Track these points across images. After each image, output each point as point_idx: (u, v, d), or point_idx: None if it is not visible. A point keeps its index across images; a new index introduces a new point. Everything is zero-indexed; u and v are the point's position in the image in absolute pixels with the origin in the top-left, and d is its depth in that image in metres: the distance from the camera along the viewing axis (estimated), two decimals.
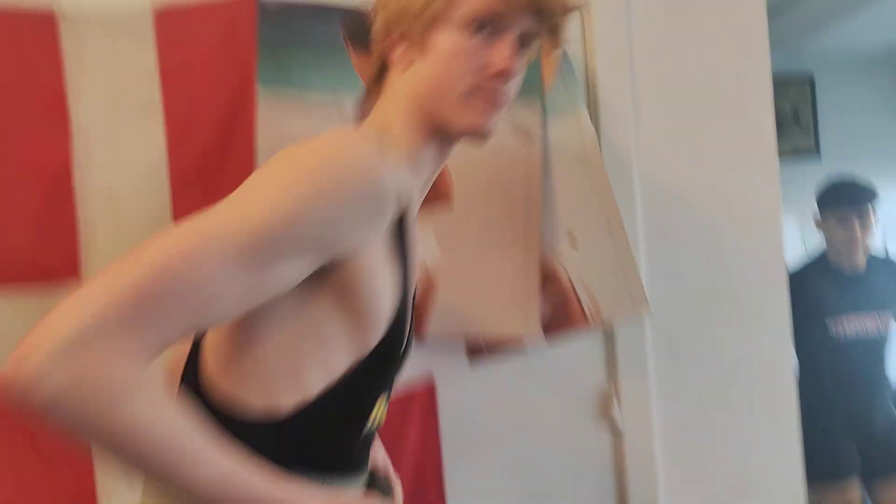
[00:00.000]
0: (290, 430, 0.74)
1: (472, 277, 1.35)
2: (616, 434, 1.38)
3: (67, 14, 1.28)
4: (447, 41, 0.78)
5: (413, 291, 0.83)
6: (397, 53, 0.81)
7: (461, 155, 1.23)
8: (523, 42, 0.80)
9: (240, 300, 0.67)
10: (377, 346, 0.76)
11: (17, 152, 1.21)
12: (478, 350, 1.36)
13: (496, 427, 1.36)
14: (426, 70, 0.79)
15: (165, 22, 1.31)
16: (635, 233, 1.36)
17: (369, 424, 0.81)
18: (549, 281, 1.35)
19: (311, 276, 0.72)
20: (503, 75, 0.77)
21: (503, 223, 1.35)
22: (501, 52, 0.77)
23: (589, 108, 1.37)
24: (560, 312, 1.35)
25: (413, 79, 0.80)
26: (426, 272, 1.34)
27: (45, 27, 1.30)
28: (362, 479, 0.84)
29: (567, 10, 0.80)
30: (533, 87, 1.35)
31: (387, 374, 0.82)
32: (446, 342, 1.34)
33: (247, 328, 0.75)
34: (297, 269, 0.70)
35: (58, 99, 1.27)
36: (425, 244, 1.34)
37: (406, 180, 0.78)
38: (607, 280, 1.34)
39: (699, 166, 1.39)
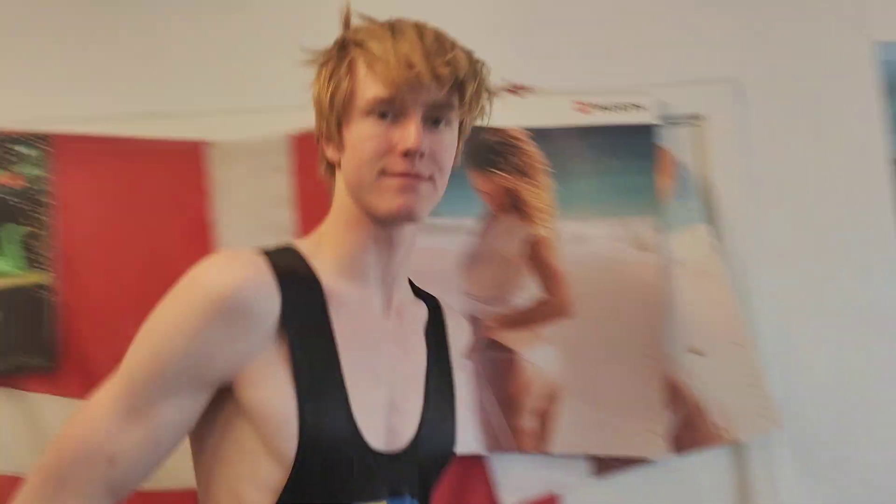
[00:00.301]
0: None
1: (596, 391, 1.38)
2: None
3: (214, 143, 1.42)
4: (355, 131, 0.83)
5: (336, 380, 0.81)
6: (329, 154, 0.88)
7: (581, 267, 1.30)
8: (435, 119, 0.83)
9: (142, 452, 0.76)
10: (299, 452, 0.75)
11: (167, 270, 1.31)
12: (604, 463, 1.38)
13: None
14: (346, 163, 0.85)
15: (300, 147, 1.44)
16: (762, 345, 1.38)
17: None
18: (675, 396, 1.37)
19: (221, 400, 0.77)
20: (409, 154, 0.80)
21: (625, 336, 1.39)
22: (405, 132, 0.80)
23: (708, 220, 1.41)
24: (687, 429, 1.36)
25: (342, 174, 0.86)
26: (549, 384, 1.38)
27: (194, 155, 1.44)
28: None
29: (456, 82, 0.81)
30: (650, 202, 1.41)
31: (330, 471, 0.78)
32: (575, 456, 1.36)
33: (202, 471, 0.82)
34: (185, 406, 0.77)
35: (204, 221, 1.40)
36: (547, 356, 1.38)
37: (331, 276, 0.84)
38: (735, 395, 1.36)
39: (825, 274, 1.40)
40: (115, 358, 1.15)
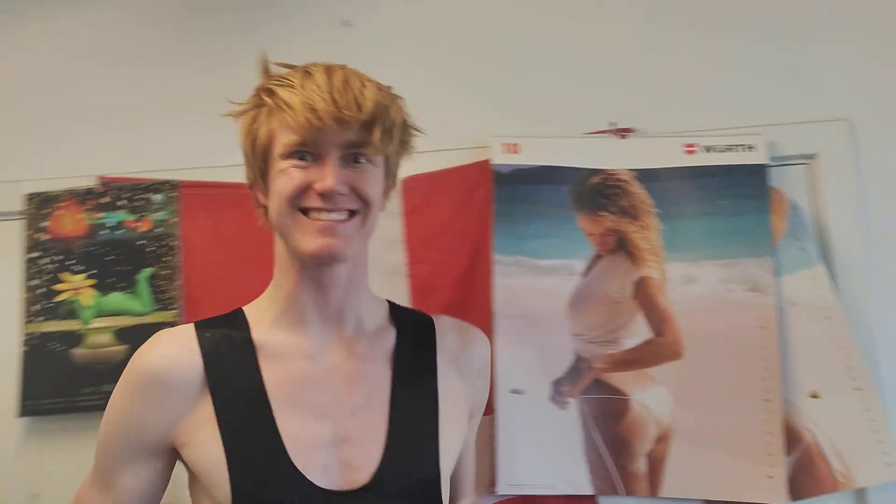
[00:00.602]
0: None
1: (709, 434, 1.39)
2: None
3: None
4: (275, 175, 0.88)
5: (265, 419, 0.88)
6: (261, 200, 0.93)
7: (691, 308, 1.33)
8: (354, 157, 0.87)
9: None
10: (234, 499, 0.82)
11: None
12: None
13: None
14: (271, 206, 0.90)
15: (410, 191, 1.52)
16: (884, 388, 1.37)
17: None
18: (793, 440, 1.37)
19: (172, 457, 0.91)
20: (325, 194, 0.84)
21: (739, 378, 1.40)
22: (322, 172, 0.85)
23: (823, 260, 1.42)
24: (805, 474, 1.36)
25: (270, 219, 0.91)
26: (661, 426, 1.40)
27: None
28: None
29: (366, 122, 0.84)
30: (763, 243, 1.43)
31: None
32: (688, 501, 1.38)
33: None
34: (141, 474, 0.90)
35: None
36: (658, 397, 1.41)
37: (266, 328, 0.93)
38: (856, 439, 1.35)
39: None
40: None
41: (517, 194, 1.47)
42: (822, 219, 1.45)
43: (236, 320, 0.94)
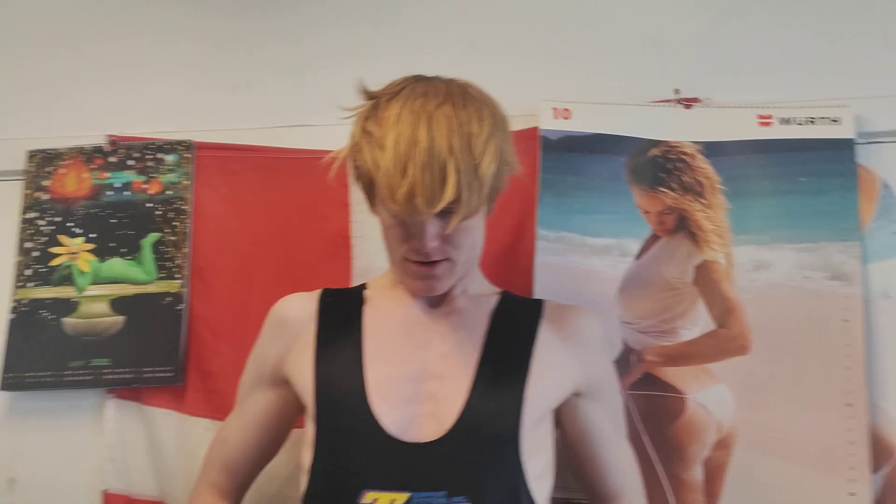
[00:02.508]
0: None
1: (779, 442, 1.37)
2: None
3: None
4: (381, 213, 1.09)
5: (348, 363, 1.10)
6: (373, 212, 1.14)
7: (762, 297, 1.33)
8: (446, 212, 1.00)
9: (238, 433, 1.23)
10: (317, 415, 1.07)
11: (303, 284, 1.43)
12: None
13: None
14: (382, 230, 1.12)
15: None
16: None
17: None
18: (884, 454, 1.34)
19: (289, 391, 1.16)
20: (420, 254, 1.03)
21: (817, 379, 1.38)
22: (413, 233, 1.03)
23: None
24: (894, 492, 1.32)
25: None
26: (721, 431, 1.39)
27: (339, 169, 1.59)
28: None
29: (450, 202, 0.98)
30: (848, 226, 1.43)
31: (341, 454, 1.03)
32: None
33: None
34: (260, 399, 1.21)
35: (345, 234, 1.54)
36: (719, 398, 1.40)
37: (379, 290, 1.19)
38: None
39: None
40: (236, 373, 1.30)
41: (566, 164, 1.51)
42: None
43: (359, 287, 1.22)
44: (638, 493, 1.23)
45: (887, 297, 1.39)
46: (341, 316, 1.15)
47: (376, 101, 1.04)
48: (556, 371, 1.12)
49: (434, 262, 1.05)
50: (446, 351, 1.10)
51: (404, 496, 0.98)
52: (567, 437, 1.19)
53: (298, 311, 1.17)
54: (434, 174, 0.96)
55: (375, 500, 0.99)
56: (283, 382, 1.17)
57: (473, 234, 1.08)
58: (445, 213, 1.00)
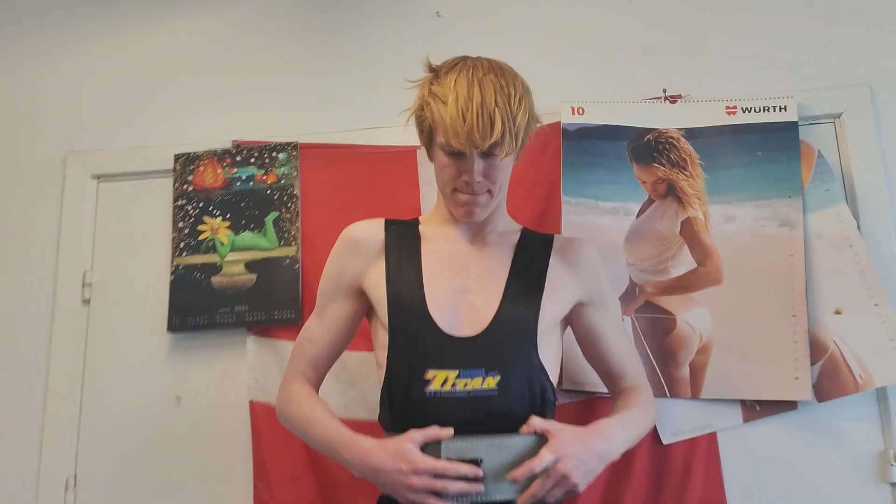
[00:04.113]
0: (382, 394, 1.38)
1: (743, 346, 1.82)
2: (894, 490, 1.75)
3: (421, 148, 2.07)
4: (437, 157, 1.40)
5: (410, 281, 1.42)
6: (429, 156, 1.45)
7: (729, 242, 1.78)
8: (488, 153, 1.34)
9: (324, 335, 1.51)
10: (390, 316, 1.37)
11: None
12: (752, 410, 1.84)
13: (774, 480, 1.78)
14: (435, 173, 1.45)
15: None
16: None
17: (428, 389, 1.30)
18: (819, 350, 1.80)
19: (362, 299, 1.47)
20: (469, 185, 1.36)
21: (770, 299, 1.83)
22: (467, 166, 1.34)
23: (848, 201, 1.88)
24: (828, 378, 1.78)
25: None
26: (702, 340, 1.88)
27: (408, 158, 2.10)
28: (470, 440, 1.27)
29: (496, 141, 1.30)
30: (792, 187, 1.90)
31: (407, 347, 1.35)
32: (725, 401, 1.83)
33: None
34: (339, 308, 1.49)
35: (416, 209, 2.04)
36: (700, 317, 1.88)
37: (430, 226, 1.51)
38: (873, 347, 1.76)
39: None
40: None
41: (582, 148, 1.98)
42: (845, 167, 1.90)
43: (412, 221, 1.53)
44: (638, 372, 1.56)
45: (820, 237, 1.82)
46: (405, 246, 1.44)
47: (436, 73, 1.36)
48: (562, 289, 1.43)
49: (476, 198, 1.36)
50: (482, 274, 1.41)
51: (455, 372, 1.30)
52: (579, 337, 1.52)
53: (370, 235, 1.46)
54: (485, 120, 1.26)
55: (435, 375, 1.30)
56: (359, 293, 1.45)
57: (505, 174, 1.39)
58: (487, 156, 1.32)
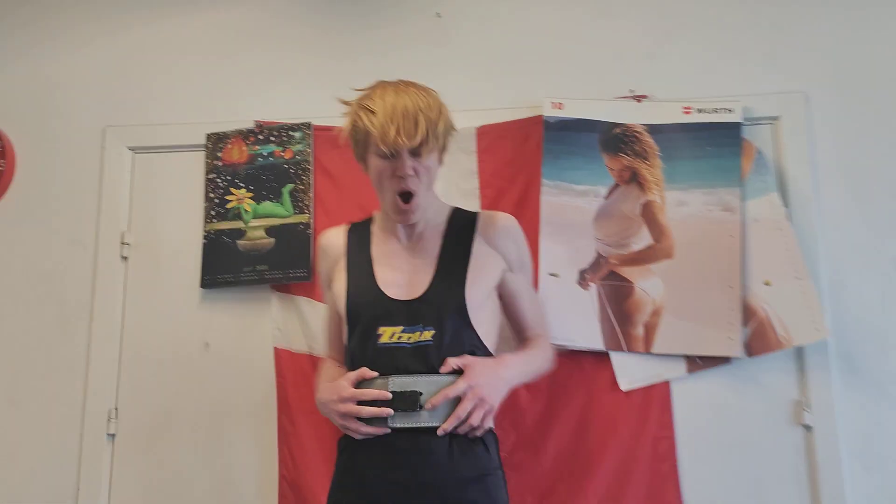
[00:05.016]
0: (346, 356, 1.69)
1: (689, 310, 2.17)
2: (807, 432, 2.14)
3: None
4: (372, 162, 1.64)
5: (365, 276, 1.68)
6: (364, 170, 1.69)
7: (681, 223, 2.11)
8: (416, 152, 1.58)
9: (328, 317, 1.83)
10: (346, 302, 1.65)
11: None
12: (695, 363, 2.21)
13: (712, 422, 2.14)
14: (371, 179, 1.67)
15: (483, 136, 2.38)
16: (819, 279, 2.14)
17: (379, 342, 1.57)
18: (750, 315, 2.17)
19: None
20: (403, 179, 1.58)
21: (713, 272, 2.16)
22: (396, 166, 1.58)
23: (780, 191, 2.23)
24: (757, 338, 2.14)
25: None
26: (655, 304, 2.24)
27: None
28: (388, 378, 1.54)
29: (420, 142, 1.55)
30: (735, 178, 2.26)
31: (363, 312, 1.61)
32: (672, 356, 2.20)
33: None
34: (329, 296, 1.78)
35: None
36: (654, 285, 2.24)
37: (377, 227, 1.77)
38: (796, 313, 2.12)
39: (869, 230, 2.15)
40: None
41: (561, 139, 2.27)
42: (780, 162, 2.23)
43: (367, 222, 1.79)
44: (540, 323, 1.82)
45: (756, 221, 2.15)
46: (359, 246, 1.71)
47: (364, 94, 1.60)
48: (487, 262, 1.67)
49: (409, 201, 1.56)
50: (419, 258, 1.66)
51: (400, 328, 1.56)
52: (501, 297, 1.73)
53: (333, 242, 1.77)
54: (409, 121, 1.49)
55: (384, 331, 1.57)
56: (331, 288, 1.73)
57: (431, 174, 1.59)
58: (415, 155, 1.53)
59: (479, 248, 1.66)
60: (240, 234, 2.34)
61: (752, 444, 2.09)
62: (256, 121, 2.41)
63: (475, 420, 1.50)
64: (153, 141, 2.43)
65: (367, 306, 1.59)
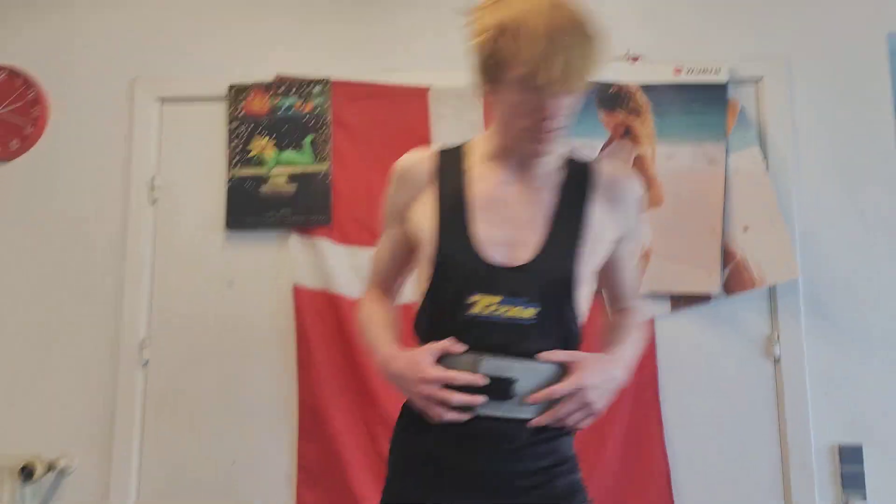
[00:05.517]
0: (420, 316, 1.37)
1: (674, 252, 2.39)
2: (776, 365, 2.38)
3: (434, 89, 2.59)
4: (506, 94, 1.26)
5: (463, 214, 1.33)
6: (487, 91, 1.30)
7: (670, 174, 2.34)
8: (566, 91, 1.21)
9: (386, 255, 1.49)
10: (435, 254, 1.30)
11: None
12: (678, 300, 2.44)
13: (691, 356, 2.37)
14: (500, 111, 1.32)
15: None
16: (793, 226, 2.34)
17: (469, 312, 1.27)
18: (729, 256, 2.39)
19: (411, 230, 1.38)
20: (548, 123, 1.26)
21: (696, 218, 2.36)
22: (542, 106, 1.23)
23: (760, 146, 2.43)
24: (736, 277, 2.37)
25: (498, 113, 1.34)
26: (644, 247, 2.46)
27: (421, 96, 2.61)
28: (479, 358, 1.27)
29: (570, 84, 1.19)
30: (720, 133, 2.47)
31: (453, 274, 1.30)
32: (658, 295, 2.43)
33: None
34: (396, 233, 1.44)
35: (426, 139, 2.53)
36: (645, 231, 2.46)
37: (478, 160, 1.38)
38: (770, 256, 2.35)
39: (840, 182, 2.37)
40: (362, 217, 2.33)
41: None
42: (761, 120, 2.43)
43: (460, 151, 1.41)
44: (637, 292, 1.57)
45: (737, 173, 2.36)
46: (452, 182, 1.36)
47: (508, 7, 1.20)
48: (602, 234, 1.36)
49: (550, 133, 1.24)
50: (526, 212, 1.33)
51: (498, 298, 1.27)
52: (603, 266, 1.42)
53: (417, 169, 1.39)
54: (574, 59, 1.17)
55: (479, 299, 1.27)
56: (408, 222, 1.39)
57: (571, 113, 1.28)
58: (568, 95, 1.22)
59: (596, 213, 1.36)
60: (262, 180, 2.52)
61: (726, 374, 2.31)
62: (278, 75, 2.55)
63: (573, 422, 1.30)
64: (181, 92, 2.59)
65: (460, 268, 1.30)
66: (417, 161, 1.43)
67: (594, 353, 1.34)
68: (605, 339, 1.46)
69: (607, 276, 1.47)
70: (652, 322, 2.33)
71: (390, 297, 1.54)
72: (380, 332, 1.43)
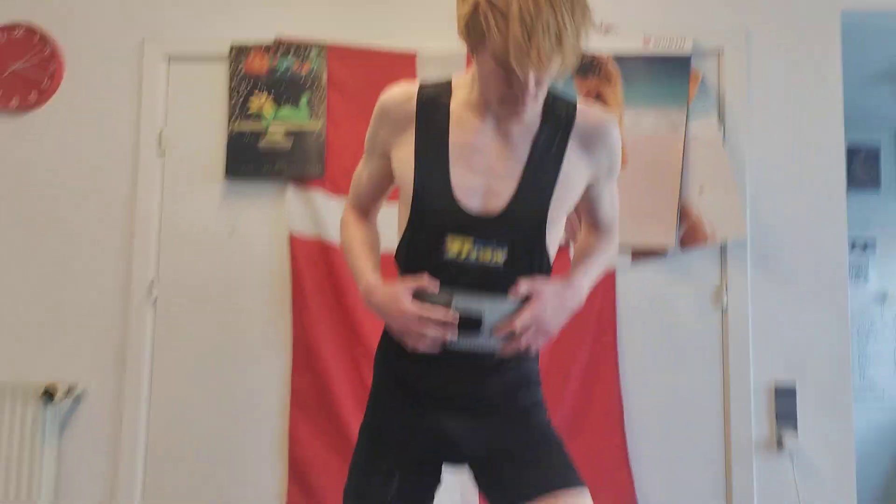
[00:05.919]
0: (400, 252, 1.44)
1: (636, 209, 2.62)
2: (724, 314, 2.64)
3: (421, 55, 2.80)
4: (485, 63, 1.28)
5: (442, 157, 1.37)
6: (468, 46, 1.30)
7: (636, 137, 2.57)
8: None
9: (368, 179, 1.53)
10: (413, 198, 1.36)
11: None
12: (637, 254, 2.69)
13: (648, 305, 2.62)
14: (479, 73, 1.34)
15: None
16: (744, 188, 2.57)
17: (444, 255, 1.36)
18: (685, 215, 2.62)
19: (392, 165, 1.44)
20: (520, 97, 1.27)
21: (656, 178, 2.57)
22: (515, 82, 1.25)
23: (718, 114, 2.66)
24: (690, 234, 2.60)
25: (478, 70, 1.34)
26: None
27: (409, 60, 2.82)
28: (447, 292, 1.35)
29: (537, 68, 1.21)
30: (682, 101, 2.69)
31: (430, 219, 1.37)
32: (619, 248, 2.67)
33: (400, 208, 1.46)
34: (377, 163, 1.49)
35: None
36: None
37: (460, 104, 1.40)
38: (722, 215, 2.57)
39: (786, 143, 2.59)
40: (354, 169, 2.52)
41: None
42: (721, 89, 2.64)
43: (445, 88, 1.41)
44: (615, 222, 1.62)
45: (696, 138, 2.56)
46: (434, 126, 1.38)
47: None
48: (576, 177, 1.40)
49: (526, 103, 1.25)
50: (503, 161, 1.37)
51: (470, 240, 1.35)
52: (579, 202, 1.49)
53: (400, 106, 1.41)
54: (552, 40, 1.17)
55: (453, 241, 1.36)
56: (389, 157, 1.44)
57: (551, 80, 1.29)
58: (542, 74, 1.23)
59: (571, 156, 1.40)
60: (260, 135, 2.73)
61: (679, 321, 2.56)
62: (277, 37, 2.75)
63: (531, 345, 1.40)
64: (187, 51, 2.80)
65: (436, 214, 1.38)
66: (401, 101, 1.43)
67: (552, 282, 1.41)
68: (574, 258, 1.60)
69: (585, 210, 1.56)
70: (613, 273, 2.55)
71: (370, 216, 1.61)
72: (362, 259, 1.50)
